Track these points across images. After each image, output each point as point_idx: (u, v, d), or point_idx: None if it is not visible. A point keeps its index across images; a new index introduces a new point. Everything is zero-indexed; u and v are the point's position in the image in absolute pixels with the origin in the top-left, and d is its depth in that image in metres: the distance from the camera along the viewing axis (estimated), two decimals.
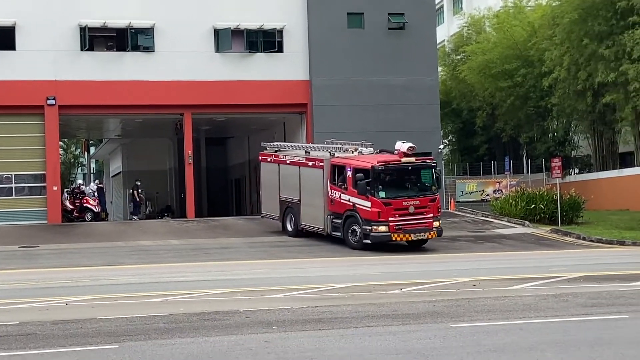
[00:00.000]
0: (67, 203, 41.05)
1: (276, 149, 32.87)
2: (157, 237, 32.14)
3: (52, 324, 13.48)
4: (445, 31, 64.42)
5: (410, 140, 40.76)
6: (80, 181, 54.17)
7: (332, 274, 20.78)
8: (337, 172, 28.90)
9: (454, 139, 56.71)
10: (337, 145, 31.04)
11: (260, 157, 33.52)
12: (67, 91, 37.98)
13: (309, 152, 30.82)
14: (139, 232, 34.01)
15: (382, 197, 27.15)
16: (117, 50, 39.50)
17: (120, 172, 60.97)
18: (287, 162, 31.31)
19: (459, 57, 53.09)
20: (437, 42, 45.85)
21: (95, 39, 39.18)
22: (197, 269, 22.87)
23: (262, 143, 34.50)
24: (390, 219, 26.95)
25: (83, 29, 38.39)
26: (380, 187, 27.23)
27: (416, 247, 27.86)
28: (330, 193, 28.97)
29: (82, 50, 38.43)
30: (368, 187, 27.15)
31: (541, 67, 41.69)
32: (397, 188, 27.80)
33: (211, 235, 32.76)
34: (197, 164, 47.45)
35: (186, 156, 40.65)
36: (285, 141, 44.49)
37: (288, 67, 40.84)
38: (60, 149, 45.26)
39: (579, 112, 42.08)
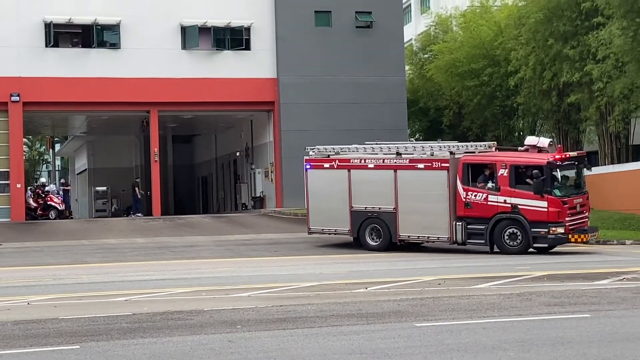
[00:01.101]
0: (31, 201, 40.74)
1: (328, 154, 28.45)
2: (122, 235, 31.95)
3: (13, 324, 13.33)
4: (413, 30, 64.61)
5: (378, 138, 41.10)
6: (43, 179, 53.77)
7: (299, 273, 20.74)
8: (472, 172, 25.84)
9: (421, 138, 56.76)
10: (405, 146, 28.29)
11: (309, 164, 28.68)
12: (32, 88, 37.67)
13: (401, 154, 26.86)
14: (104, 230, 33.80)
15: (559, 196, 24.79)
16: (82, 47, 39.29)
17: (85, 169, 60.60)
18: (370, 166, 27.04)
19: (426, 56, 53.18)
20: (405, 40, 46.05)
21: (61, 35, 38.91)
22: (162, 267, 22.73)
23: (307, 148, 29.46)
24: (566, 219, 24.79)
25: (48, 25, 38.08)
26: (556, 184, 24.97)
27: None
28: (464, 195, 25.62)
29: (47, 46, 38.16)
30: (544, 186, 24.53)
31: (507, 67, 41.88)
32: (566, 186, 25.73)
33: (177, 234, 32.61)
34: (163, 162, 47.33)
35: (152, 154, 40.48)
36: (252, 139, 44.53)
37: (255, 64, 40.81)
38: (24, 146, 44.85)
39: (544, 112, 42.31)
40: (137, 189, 45.53)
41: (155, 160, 40.48)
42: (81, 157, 63.99)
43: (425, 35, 55.43)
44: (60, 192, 43.04)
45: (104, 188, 56.04)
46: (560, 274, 19.55)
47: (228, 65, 40.50)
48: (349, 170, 27.32)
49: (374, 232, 27.00)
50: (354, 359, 10.62)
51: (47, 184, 44.11)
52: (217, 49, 40.38)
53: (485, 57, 45.16)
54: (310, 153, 28.77)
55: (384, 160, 26.95)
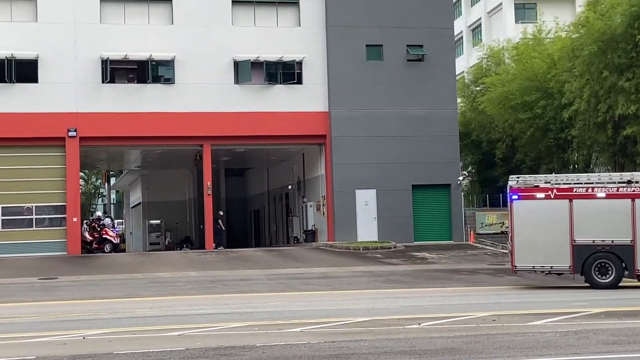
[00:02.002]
0: (87, 234, 41.14)
1: (536, 184, 26.22)
2: (175, 269, 32.12)
3: (69, 358, 13.42)
4: (465, 62, 64.51)
5: (429, 171, 41.04)
6: (99, 212, 54.39)
7: (351, 308, 20.62)
8: None
9: (473, 171, 56.53)
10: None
11: (516, 195, 26.11)
12: (88, 123, 38.27)
13: (632, 182, 25.11)
14: (157, 264, 34.02)
15: None
16: (137, 82, 39.81)
17: (140, 202, 61.20)
18: (599, 195, 25.17)
19: (478, 88, 53.07)
20: (457, 73, 45.90)
21: (117, 71, 39.51)
22: (214, 301, 22.79)
23: (511, 177, 27.07)
24: None
25: (104, 62, 38.70)
26: None
27: None
28: None
29: (103, 82, 38.74)
30: None
31: (561, 99, 41.56)
32: None
33: (230, 267, 32.70)
34: (216, 195, 47.59)
35: (205, 187, 40.74)
36: (304, 172, 44.65)
37: (307, 98, 40.97)
38: (80, 180, 45.50)
39: (599, 144, 41.83)
40: (220, 221, 45.69)
41: (209, 194, 40.75)
42: (136, 190, 64.71)
43: (477, 68, 55.35)
44: (116, 226, 43.47)
45: (158, 221, 56.58)
46: (618, 310, 19.16)
47: (280, 99, 40.74)
48: (570, 201, 25.33)
49: (603, 267, 25.09)
50: None
51: (102, 218, 44.55)
52: (269, 83, 40.67)
53: (538, 90, 44.90)
54: (511, 183, 26.34)
55: (618, 188, 25.10)
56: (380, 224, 40.77)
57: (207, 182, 40.67)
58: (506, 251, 37.57)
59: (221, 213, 46.95)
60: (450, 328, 16.39)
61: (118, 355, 13.62)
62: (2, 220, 38.03)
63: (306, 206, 44.66)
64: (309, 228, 43.59)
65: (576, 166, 47.50)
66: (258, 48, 40.42)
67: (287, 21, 41.36)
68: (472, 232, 42.33)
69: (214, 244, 43.31)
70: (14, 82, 37.81)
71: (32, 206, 38.39)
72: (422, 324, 17.07)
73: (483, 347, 13.98)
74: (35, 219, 38.42)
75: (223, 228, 45.73)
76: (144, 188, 59.48)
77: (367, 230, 40.72)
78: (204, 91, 39.72)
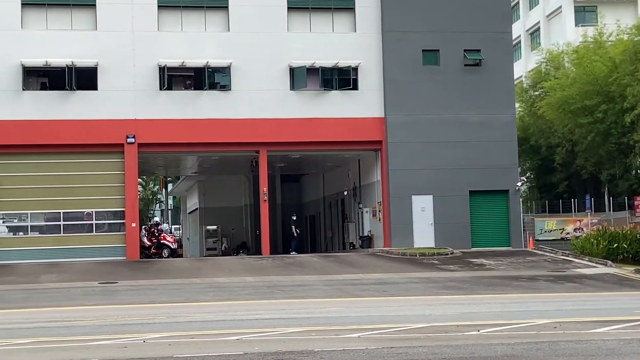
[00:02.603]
0: (145, 240, 41.64)
1: None
2: (232, 274, 32.33)
3: None
4: (523, 67, 63.94)
5: (487, 177, 40.76)
6: (157, 218, 55.00)
7: (408, 314, 20.57)
8: None
9: (532, 176, 56.00)
10: None
11: None
12: (146, 129, 38.76)
13: None
14: (215, 269, 34.28)
15: None
16: (194, 89, 40.22)
17: (196, 208, 61.75)
18: None
19: (536, 93, 52.59)
20: (515, 78, 45.52)
21: (174, 78, 39.96)
22: (271, 306, 22.89)
23: None
24: None
25: (162, 69, 39.18)
26: None
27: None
28: None
29: (160, 89, 39.20)
30: None
31: (623, 103, 41.04)
32: None
33: (286, 273, 32.79)
34: (272, 201, 47.82)
35: (261, 193, 40.95)
36: (360, 178, 44.65)
37: (363, 104, 40.97)
38: (139, 186, 46.06)
39: None
40: (293, 227, 45.93)
41: (265, 200, 40.96)
42: (192, 196, 65.30)
43: (535, 72, 54.87)
44: (173, 231, 43.92)
45: (215, 227, 57.04)
46: None
47: (336, 105, 40.79)
48: None
49: None
50: None
51: (160, 223, 45.06)
52: (324, 89, 40.76)
53: (599, 94, 44.36)
54: None
55: None
56: (437, 230, 40.57)
57: (263, 188, 40.88)
58: (564, 257, 37.18)
59: (294, 218, 47.18)
60: (510, 335, 16.27)
61: (178, 359, 13.78)
62: (63, 225, 38.70)
63: (362, 212, 44.64)
64: (365, 234, 43.56)
65: (639, 172, 46.79)
66: (314, 54, 40.54)
67: (343, 27, 41.43)
68: (531, 239, 41.90)
69: (290, 250, 43.64)
70: (74, 90, 38.46)
71: (92, 212, 38.98)
72: (481, 331, 16.96)
73: (544, 355, 13.85)
74: (95, 224, 39.01)
75: (296, 234, 45.88)
76: (201, 194, 59.99)
77: (423, 236, 40.55)
78: (260, 97, 39.96)
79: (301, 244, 46.28)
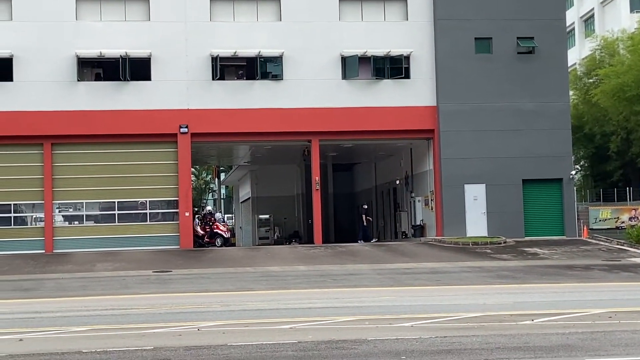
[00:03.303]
0: (199, 229, 41.96)
1: None
2: (285, 263, 32.46)
3: (185, 349, 13.74)
4: (577, 54, 63.07)
5: (541, 166, 40.37)
6: (210, 207, 55.37)
7: (461, 303, 20.48)
8: None
9: (586, 165, 55.26)
10: None
11: None
12: (199, 119, 39.03)
13: None
14: (267, 258, 34.46)
15: None
16: (246, 79, 40.38)
17: (249, 197, 62.06)
18: None
19: (591, 80, 51.80)
20: (569, 65, 44.94)
21: (226, 68, 40.16)
22: (324, 295, 22.95)
23: None
24: None
25: (214, 59, 39.40)
26: None
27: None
28: None
29: (213, 79, 39.43)
30: None
31: None
32: None
33: (338, 262, 32.84)
34: (324, 190, 47.89)
35: (314, 182, 41.02)
36: (412, 167, 44.49)
37: (415, 93, 40.80)
38: (192, 176, 46.41)
39: None
40: (363, 216, 46.01)
41: (317, 189, 41.03)
42: (245, 185, 65.63)
43: (590, 60, 54.05)
44: (226, 220, 44.15)
45: (267, 216, 57.29)
46: None
47: (387, 94, 40.67)
48: None
49: None
50: None
51: (214, 212, 45.36)
52: (376, 78, 40.65)
53: None
54: None
55: None
56: (489, 219, 40.32)
57: (316, 177, 40.95)
58: (619, 246, 36.67)
59: (365, 207, 47.21)
60: (564, 324, 16.12)
61: (232, 347, 13.88)
62: (118, 214, 39.20)
63: (414, 201, 44.50)
64: (417, 223, 43.42)
65: None
66: (365, 43, 40.45)
67: (395, 15, 41.26)
68: (585, 227, 41.40)
69: (359, 240, 43.65)
70: (128, 80, 38.86)
71: (146, 201, 39.41)
72: (535, 320, 16.83)
73: (600, 345, 13.70)
74: (149, 213, 39.43)
75: (367, 221, 45.81)
76: (253, 183, 60.27)
77: (476, 225, 40.31)
78: (311, 87, 39.99)
79: (367, 233, 46.12)
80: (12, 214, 38.74)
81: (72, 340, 15.05)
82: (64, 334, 15.98)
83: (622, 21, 58.31)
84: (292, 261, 33.12)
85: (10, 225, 38.54)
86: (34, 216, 38.98)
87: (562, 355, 12.78)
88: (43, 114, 38.25)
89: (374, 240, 44.12)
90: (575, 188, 43.47)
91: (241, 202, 68.80)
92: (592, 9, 65.70)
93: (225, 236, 42.68)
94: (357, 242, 43.22)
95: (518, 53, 41.09)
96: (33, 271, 31.12)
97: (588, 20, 67.17)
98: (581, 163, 54.79)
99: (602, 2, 64.33)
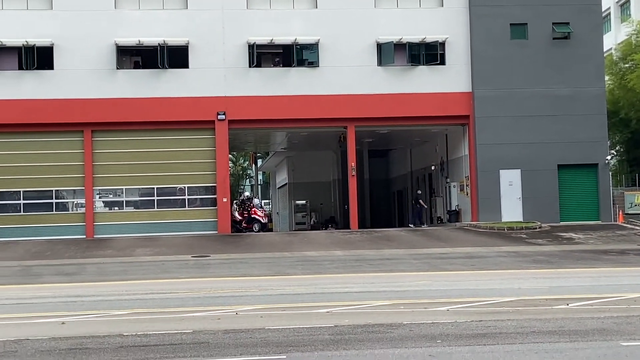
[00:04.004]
0: (236, 214, 42.14)
1: None
2: (321, 248, 32.53)
3: (224, 332, 13.85)
4: (613, 39, 62.26)
5: (576, 151, 40.04)
6: (247, 193, 55.58)
7: (496, 287, 20.41)
8: None
9: (622, 150, 54.65)
10: None
11: None
12: (236, 106, 39.16)
13: None
14: (304, 243, 34.54)
15: None
16: (283, 66, 40.41)
17: (286, 183, 62.18)
18: None
19: (627, 65, 51.15)
20: (604, 50, 44.44)
21: (263, 55, 40.21)
22: (360, 280, 22.97)
23: None
24: None
25: (251, 46, 39.47)
26: None
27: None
28: None
29: (250, 66, 39.52)
30: None
31: None
32: None
33: (374, 247, 32.85)
34: (360, 176, 47.88)
35: (349, 168, 41.03)
36: (447, 153, 44.30)
37: (450, 79, 40.61)
38: (229, 162, 46.62)
39: None
40: (420, 200, 45.93)
41: (353, 175, 41.02)
42: (282, 172, 65.75)
43: (626, 44, 53.34)
44: (263, 206, 44.24)
45: (303, 202, 57.39)
46: None
47: (423, 80, 40.51)
48: None
49: None
50: None
51: (252, 198, 45.53)
52: (412, 65, 40.49)
53: None
54: None
55: None
56: (525, 204, 40.10)
57: (351, 163, 40.94)
58: None
59: (419, 192, 47.16)
60: (599, 309, 16.01)
61: (270, 331, 13.97)
62: (157, 200, 39.48)
63: (449, 187, 44.35)
64: (453, 208, 43.28)
65: None
66: (401, 29, 40.29)
67: (430, 2, 41.02)
68: (620, 212, 41.04)
69: (410, 224, 43.63)
70: (166, 68, 39.07)
71: (185, 187, 39.65)
72: (570, 305, 16.74)
73: (635, 329, 13.61)
74: (188, 199, 39.68)
75: (425, 206, 45.73)
76: (290, 169, 60.37)
77: (511, 210, 40.11)
78: (347, 73, 39.94)
79: (421, 217, 45.92)
80: (54, 200, 39.18)
81: (113, 324, 15.23)
82: (105, 318, 16.17)
83: None
84: (329, 246, 33.18)
85: (52, 211, 39.00)
86: (75, 202, 39.40)
87: (597, 339, 12.71)
88: (83, 101, 38.60)
89: (424, 225, 43.96)
90: (610, 173, 43.09)
91: (278, 188, 68.95)
92: None
93: (263, 221, 42.83)
94: (393, 227, 43.24)
95: (553, 39, 40.72)
96: (74, 256, 31.49)
97: (624, 5, 66.27)
98: (617, 148, 54.18)
99: None
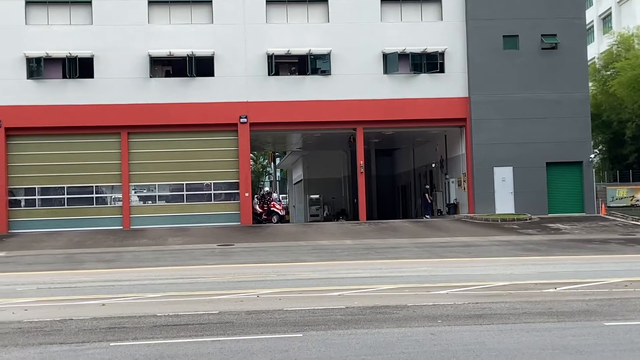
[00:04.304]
0: (257, 207, 42.17)
1: None
2: (333, 238, 32.52)
3: (246, 313, 13.87)
4: (596, 49, 61.98)
5: (563, 150, 39.88)
6: (267, 188, 55.61)
7: (491, 273, 20.36)
8: None
9: (604, 149, 54.39)
10: None
11: None
12: (257, 111, 39.18)
13: None
14: (317, 233, 34.53)
15: None
16: (298, 74, 40.39)
17: (301, 179, 62.22)
18: None
19: (608, 72, 50.90)
20: (588, 59, 44.24)
21: (280, 64, 40.19)
22: (368, 266, 22.96)
23: None
24: None
25: (270, 57, 39.47)
26: None
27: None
28: None
29: (269, 75, 39.52)
30: None
31: None
32: None
33: (380, 236, 32.82)
34: (367, 173, 47.81)
35: (358, 166, 40.99)
36: (446, 152, 44.19)
37: (449, 85, 40.51)
38: (250, 160, 46.63)
39: None
40: (427, 195, 45.79)
41: (361, 172, 40.98)
42: (297, 169, 65.78)
43: (607, 54, 53.10)
44: (281, 200, 44.23)
45: (317, 196, 57.41)
46: None
47: (424, 87, 40.43)
48: None
49: None
50: (547, 354, 10.31)
51: (272, 193, 45.54)
52: (414, 73, 40.40)
53: None
54: None
55: None
56: (516, 198, 39.99)
57: (360, 162, 40.90)
58: (635, 222, 36.10)
59: (427, 187, 47.04)
60: (584, 292, 15.96)
61: (288, 312, 13.98)
62: (186, 195, 39.55)
63: (448, 182, 44.25)
64: (451, 202, 43.19)
65: None
66: (404, 41, 40.22)
67: (431, 16, 40.91)
68: (603, 205, 40.86)
69: (426, 216, 43.48)
70: (194, 76, 39.11)
71: (211, 183, 39.71)
72: (557, 288, 16.68)
73: (617, 310, 13.55)
74: (213, 194, 39.72)
75: (429, 201, 45.57)
76: (305, 167, 60.39)
77: (504, 203, 40.01)
78: (356, 81, 39.90)
79: (428, 209, 45.71)
80: (94, 195, 39.31)
81: (148, 305, 15.27)
82: (140, 300, 16.22)
83: (637, 19, 57.20)
84: (340, 236, 33.16)
85: (93, 204, 39.13)
86: (113, 197, 39.51)
87: (582, 320, 12.67)
88: (120, 107, 38.70)
89: (428, 217, 43.76)
90: (594, 170, 42.89)
91: (294, 184, 68.98)
92: (610, 8, 64.49)
93: (281, 214, 42.86)
94: (398, 219, 43.12)
95: (542, 49, 40.56)
96: (113, 245, 31.59)
97: (606, 18, 65.95)
98: (599, 147, 53.95)
99: (618, 2, 63.12)
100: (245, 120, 39.23)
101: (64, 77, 38.84)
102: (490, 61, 40.24)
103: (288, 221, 48.31)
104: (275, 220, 41.99)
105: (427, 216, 43.79)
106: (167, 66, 40.31)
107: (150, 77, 39.09)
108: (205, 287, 18.15)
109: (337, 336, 11.66)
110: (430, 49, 40.34)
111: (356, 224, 38.99)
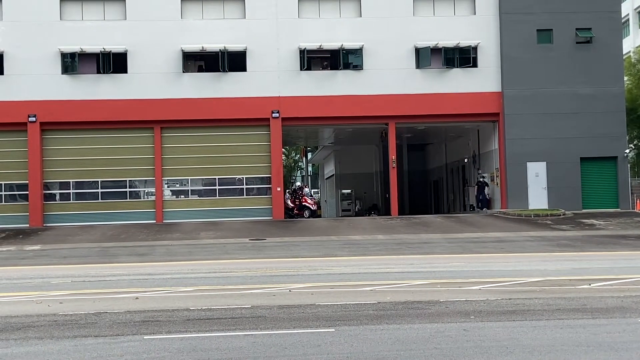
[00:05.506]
0: (289, 202, 42.24)
1: None
2: (365, 233, 32.49)
3: (279, 308, 13.91)
4: (631, 43, 61.23)
5: (597, 145, 39.46)
6: (299, 183, 55.66)
7: (524, 269, 20.21)
8: None
9: (639, 144, 53.74)
10: None
11: None
12: (289, 105, 39.23)
13: None
14: (349, 228, 34.52)
15: None
16: (330, 69, 40.36)
17: (333, 174, 62.18)
18: None
19: None
20: (623, 53, 43.69)
21: (312, 59, 40.19)
22: (400, 261, 22.91)
23: None
24: None
25: (302, 52, 39.49)
26: None
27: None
28: None
29: (301, 69, 39.53)
30: None
31: None
32: None
33: (413, 231, 32.73)
34: (400, 168, 47.65)
35: (390, 161, 40.90)
36: (479, 147, 43.91)
37: (482, 80, 40.24)
38: (282, 155, 46.71)
39: None
40: (486, 186, 44.90)
41: (393, 167, 40.89)
42: (329, 164, 65.75)
43: None
44: (313, 195, 44.19)
45: (349, 191, 57.35)
46: None
47: (457, 81, 40.21)
48: None
49: None
50: (581, 351, 10.22)
51: (303, 187, 45.58)
52: (447, 67, 40.18)
53: None
54: None
55: None
56: (550, 193, 39.66)
57: (392, 157, 40.80)
58: None
59: (484, 176, 46.37)
60: (619, 289, 15.79)
61: (319, 306, 13.99)
62: (218, 189, 39.75)
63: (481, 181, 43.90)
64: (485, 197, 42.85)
65: None
66: (437, 35, 40.01)
67: (464, 10, 40.66)
68: (638, 201, 40.38)
69: (484, 209, 42.91)
70: (226, 72, 39.25)
71: (243, 177, 39.85)
72: (592, 285, 16.52)
73: None
74: (245, 188, 39.87)
75: (488, 195, 44.58)
76: (337, 162, 60.34)
77: (537, 199, 39.69)
78: (388, 75, 39.79)
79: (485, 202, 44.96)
80: (128, 189, 39.64)
81: (181, 299, 15.38)
82: (173, 294, 16.33)
83: None
84: (372, 231, 33.13)
85: (126, 198, 39.46)
86: (146, 191, 39.81)
87: (617, 316, 12.54)
88: (153, 101, 38.97)
89: (479, 209, 42.68)
90: (629, 165, 42.38)
91: (326, 179, 68.97)
92: None
93: (312, 209, 42.89)
94: (430, 214, 42.76)
95: (577, 43, 40.14)
96: (146, 239, 31.84)
97: None
98: (634, 142, 53.32)
99: None
100: (277, 115, 39.31)
101: (98, 72, 39.17)
102: (524, 55, 39.90)
103: (320, 216, 48.30)
104: (307, 215, 42.03)
105: (485, 209, 42.56)
106: (200, 61, 40.48)
107: (183, 72, 39.29)
108: (237, 281, 18.23)
109: (369, 331, 11.65)
110: (463, 43, 40.09)
111: (388, 219, 38.92)
